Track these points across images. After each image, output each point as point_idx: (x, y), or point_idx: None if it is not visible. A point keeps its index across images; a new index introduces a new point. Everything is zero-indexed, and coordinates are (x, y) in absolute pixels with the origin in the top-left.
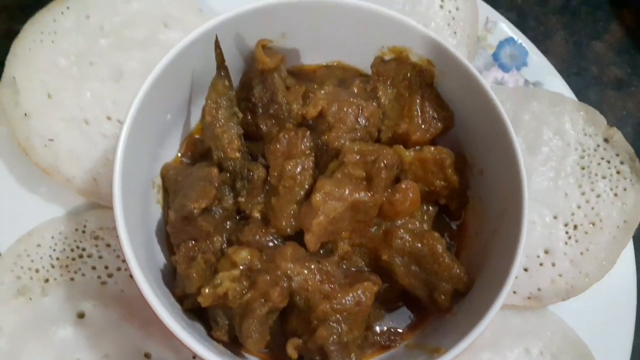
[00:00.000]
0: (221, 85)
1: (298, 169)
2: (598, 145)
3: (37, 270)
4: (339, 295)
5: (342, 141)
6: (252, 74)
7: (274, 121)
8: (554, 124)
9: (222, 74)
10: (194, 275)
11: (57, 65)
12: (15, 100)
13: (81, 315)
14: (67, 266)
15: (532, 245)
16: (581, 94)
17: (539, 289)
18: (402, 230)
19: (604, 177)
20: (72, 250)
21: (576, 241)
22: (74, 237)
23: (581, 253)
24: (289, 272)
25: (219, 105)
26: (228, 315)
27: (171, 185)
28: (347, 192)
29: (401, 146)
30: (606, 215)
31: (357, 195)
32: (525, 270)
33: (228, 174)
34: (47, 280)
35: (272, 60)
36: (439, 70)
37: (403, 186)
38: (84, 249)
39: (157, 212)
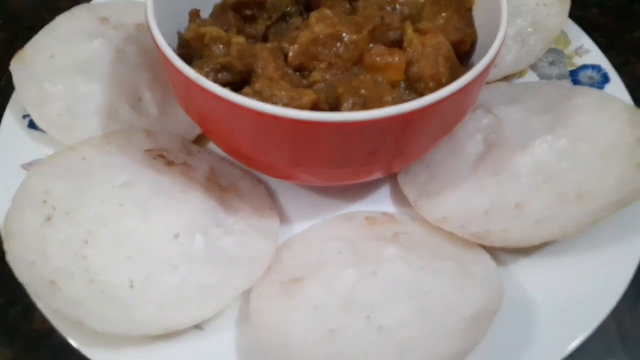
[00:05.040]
0: None
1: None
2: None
3: None
4: (279, 83)
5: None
6: None
7: None
8: (590, 115)
9: None
10: (194, 23)
11: None
12: None
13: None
14: None
15: (506, 193)
16: None
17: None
18: (367, 76)
19: (615, 168)
20: None
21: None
22: None
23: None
24: (255, 51)
25: None
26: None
27: None
28: (337, 21)
29: (409, 23)
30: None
31: (343, 28)
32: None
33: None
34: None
35: None
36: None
37: (394, 50)
38: None
39: None
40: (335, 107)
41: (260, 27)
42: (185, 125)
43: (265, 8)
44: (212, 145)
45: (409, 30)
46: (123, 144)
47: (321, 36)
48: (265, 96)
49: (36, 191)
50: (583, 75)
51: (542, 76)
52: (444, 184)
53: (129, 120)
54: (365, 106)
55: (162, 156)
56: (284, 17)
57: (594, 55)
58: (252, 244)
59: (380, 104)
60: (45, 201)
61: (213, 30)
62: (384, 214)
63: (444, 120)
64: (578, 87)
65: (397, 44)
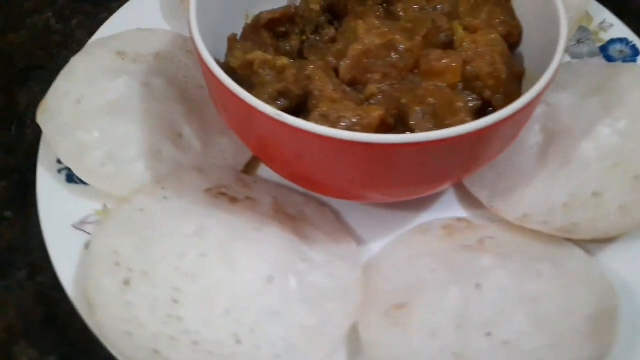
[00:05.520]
0: None
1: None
2: None
3: None
4: (343, 104)
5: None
6: None
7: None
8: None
9: None
10: (237, 47)
11: None
12: None
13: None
14: None
15: (581, 183)
16: None
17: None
18: (429, 83)
19: None
20: None
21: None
22: None
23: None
24: (308, 72)
25: None
26: (247, 84)
27: None
28: (387, 30)
29: (458, 23)
30: None
31: (395, 36)
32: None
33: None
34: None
35: None
36: None
37: (449, 52)
38: None
39: None
40: (400, 119)
41: (294, 42)
42: (231, 155)
43: (296, 22)
44: (262, 172)
45: (460, 30)
46: (178, 187)
47: (373, 47)
48: (332, 120)
49: (105, 254)
50: (613, 50)
51: (573, 56)
52: (513, 181)
53: (175, 159)
54: (435, 115)
55: (223, 194)
56: (315, 29)
57: (618, 28)
58: (339, 274)
59: (452, 110)
60: (118, 264)
61: (260, 56)
62: (459, 219)
63: (519, 125)
64: (617, 65)
65: (448, 45)
